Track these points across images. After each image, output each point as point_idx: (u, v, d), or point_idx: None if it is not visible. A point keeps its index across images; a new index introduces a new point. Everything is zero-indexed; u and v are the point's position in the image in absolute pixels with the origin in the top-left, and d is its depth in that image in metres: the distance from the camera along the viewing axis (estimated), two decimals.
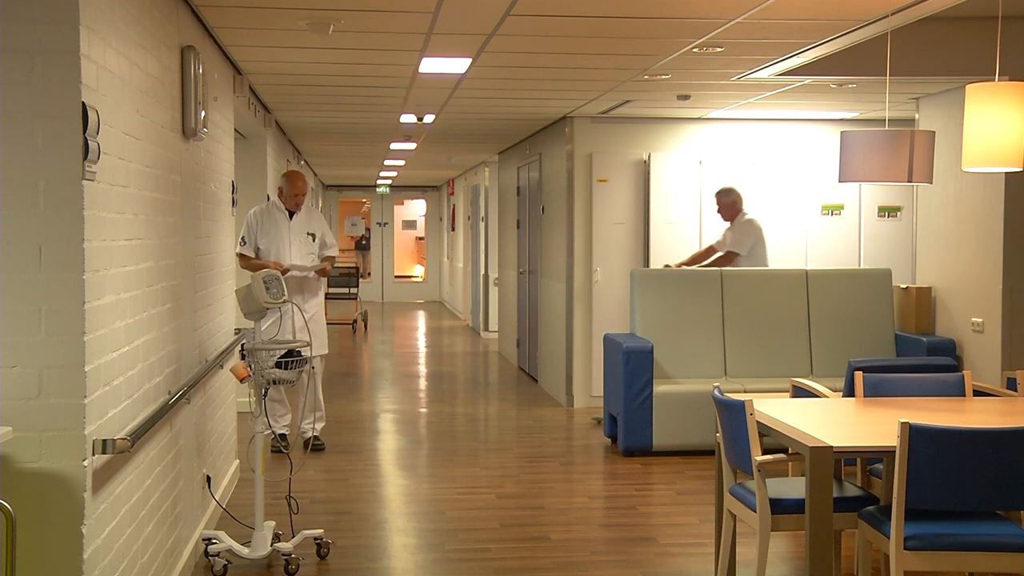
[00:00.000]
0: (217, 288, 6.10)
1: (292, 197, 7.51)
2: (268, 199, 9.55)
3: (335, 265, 7.80)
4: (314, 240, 7.61)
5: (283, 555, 5.06)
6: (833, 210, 9.61)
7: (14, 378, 3.19)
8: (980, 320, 7.39)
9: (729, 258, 8.46)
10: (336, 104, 9.01)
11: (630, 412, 7.61)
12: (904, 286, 8.14)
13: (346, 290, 17.63)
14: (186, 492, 5.04)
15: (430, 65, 6.75)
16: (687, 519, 6.08)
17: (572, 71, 7.09)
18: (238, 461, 6.95)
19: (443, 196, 23.37)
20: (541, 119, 10.09)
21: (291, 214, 7.55)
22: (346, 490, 6.74)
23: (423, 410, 9.88)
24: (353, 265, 19.32)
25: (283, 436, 7.67)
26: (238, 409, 7.21)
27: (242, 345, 5.33)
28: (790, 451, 4.34)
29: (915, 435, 3.79)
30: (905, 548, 3.84)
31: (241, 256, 7.45)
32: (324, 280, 7.88)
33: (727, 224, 8.62)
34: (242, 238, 7.48)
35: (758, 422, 4.31)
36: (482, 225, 16.33)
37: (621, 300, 9.44)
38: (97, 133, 3.33)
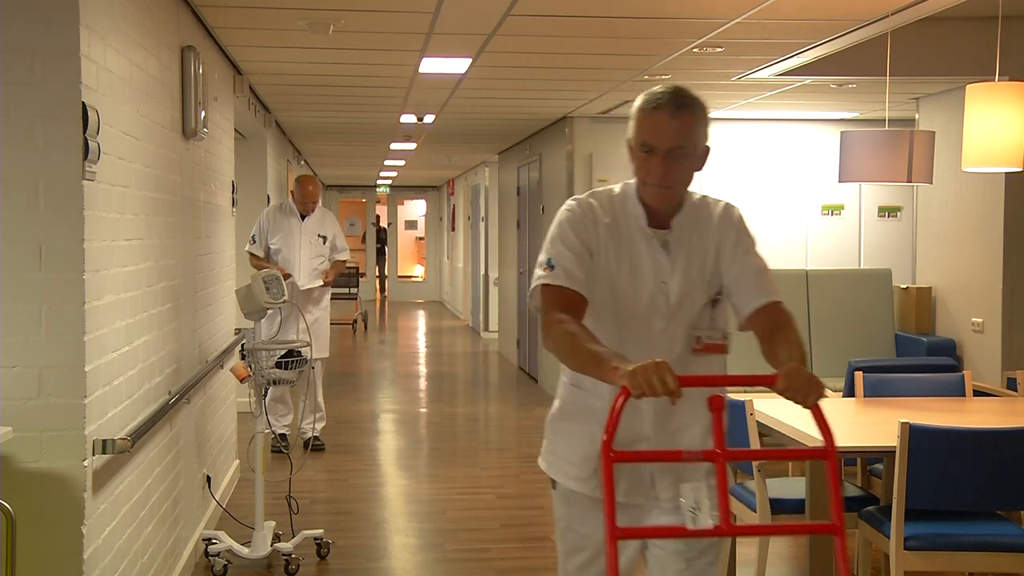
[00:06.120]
0: (217, 288, 6.10)
1: (302, 204, 7.60)
2: (268, 200, 9.57)
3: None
4: (325, 243, 7.65)
5: (283, 555, 5.05)
6: (833, 210, 9.60)
7: (14, 378, 3.18)
8: (980, 320, 7.39)
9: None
10: (336, 104, 9.01)
11: None
12: (904, 286, 8.13)
13: (346, 290, 17.60)
14: (186, 492, 5.03)
15: (430, 65, 6.74)
16: None
17: (572, 71, 7.08)
18: (238, 461, 6.95)
19: (443, 196, 23.36)
20: (541, 119, 10.08)
21: (303, 215, 7.61)
22: (346, 490, 6.74)
23: (423, 410, 9.88)
24: (353, 265, 19.28)
25: (283, 436, 7.68)
26: (238, 409, 7.21)
27: (242, 345, 5.33)
28: None
29: (915, 435, 3.79)
30: (905, 548, 3.84)
31: (251, 255, 7.54)
32: (329, 287, 7.95)
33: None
34: (252, 236, 7.57)
35: (758, 422, 4.31)
36: (482, 225, 16.31)
37: None
38: (97, 133, 3.33)
